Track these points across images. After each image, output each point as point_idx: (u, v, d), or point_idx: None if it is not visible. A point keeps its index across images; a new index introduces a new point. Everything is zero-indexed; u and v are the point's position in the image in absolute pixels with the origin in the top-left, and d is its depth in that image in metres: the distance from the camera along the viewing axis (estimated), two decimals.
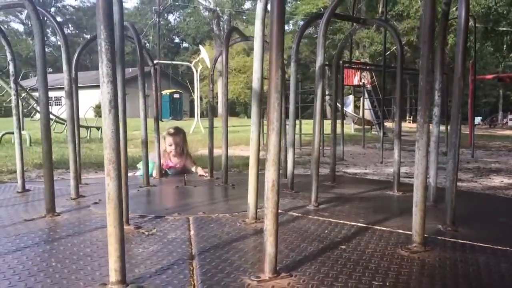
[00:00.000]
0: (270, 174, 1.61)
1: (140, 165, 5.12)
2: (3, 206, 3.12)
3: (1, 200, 3.33)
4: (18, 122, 3.90)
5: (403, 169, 6.00)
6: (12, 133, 10.26)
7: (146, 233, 2.29)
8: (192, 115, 29.83)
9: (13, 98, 3.95)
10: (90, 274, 1.70)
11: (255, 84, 2.58)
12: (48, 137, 2.79)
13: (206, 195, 3.73)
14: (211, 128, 4.66)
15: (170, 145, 4.98)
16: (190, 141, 9.81)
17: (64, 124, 9.65)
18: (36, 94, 12.92)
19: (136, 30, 4.09)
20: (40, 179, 4.81)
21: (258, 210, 2.56)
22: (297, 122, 8.87)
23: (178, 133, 5.06)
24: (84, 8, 62.43)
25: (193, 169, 5.08)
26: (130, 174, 5.23)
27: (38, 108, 11.37)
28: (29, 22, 56.93)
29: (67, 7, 62.45)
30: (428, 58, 1.99)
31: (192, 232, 2.31)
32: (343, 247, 2.09)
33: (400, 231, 2.39)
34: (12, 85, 3.93)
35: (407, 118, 27.04)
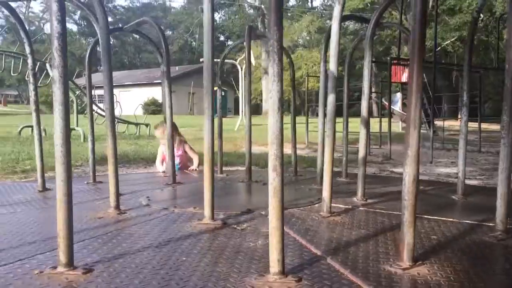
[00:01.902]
0: (412, 169, 1.73)
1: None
2: (48, 208, 3.02)
3: (30, 200, 3.24)
4: (37, 118, 3.76)
5: (454, 170, 5.53)
6: (74, 129, 10.11)
7: (239, 228, 2.34)
8: (236, 112, 29.46)
9: (31, 93, 3.82)
10: (231, 266, 1.75)
11: (330, 82, 2.68)
12: (113, 134, 2.75)
13: (247, 191, 3.80)
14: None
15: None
16: (235, 138, 9.81)
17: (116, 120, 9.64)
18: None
19: (161, 28, 4.08)
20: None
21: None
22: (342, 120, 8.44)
23: (158, 126, 5.09)
24: (134, 8, 61.95)
25: (194, 161, 5.08)
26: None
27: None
28: (82, 23, 56.56)
29: (117, 7, 61.52)
30: None
31: None
32: (434, 237, 2.24)
33: (469, 221, 2.57)
34: (31, 79, 3.80)
35: (459, 116, 25.87)
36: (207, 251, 1.96)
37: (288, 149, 8.06)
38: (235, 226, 2.38)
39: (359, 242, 2.11)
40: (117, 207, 2.73)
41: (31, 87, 3.80)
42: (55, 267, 1.69)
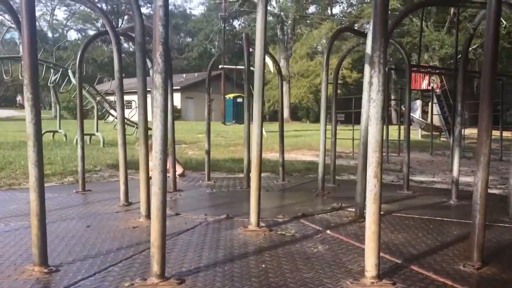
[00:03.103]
0: (484, 176, 1.85)
1: None
2: (67, 218, 2.89)
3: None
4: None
5: (468, 179, 5.34)
6: (94, 134, 9.82)
7: (288, 234, 2.37)
8: None
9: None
10: (315, 272, 1.78)
11: (367, 90, 2.78)
12: (145, 141, 2.69)
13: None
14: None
15: None
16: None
17: (134, 126, 9.28)
18: (109, 98, 12.80)
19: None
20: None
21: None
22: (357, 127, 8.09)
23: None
24: None
25: (178, 170, 5.04)
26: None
27: (111, 112, 11.58)
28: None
29: None
30: None
31: (328, 231, 2.44)
32: None
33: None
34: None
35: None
36: (278, 257, 1.98)
37: (303, 155, 8.08)
38: (282, 232, 2.40)
39: (414, 245, 2.21)
40: (149, 216, 2.66)
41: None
42: (144, 279, 1.64)
